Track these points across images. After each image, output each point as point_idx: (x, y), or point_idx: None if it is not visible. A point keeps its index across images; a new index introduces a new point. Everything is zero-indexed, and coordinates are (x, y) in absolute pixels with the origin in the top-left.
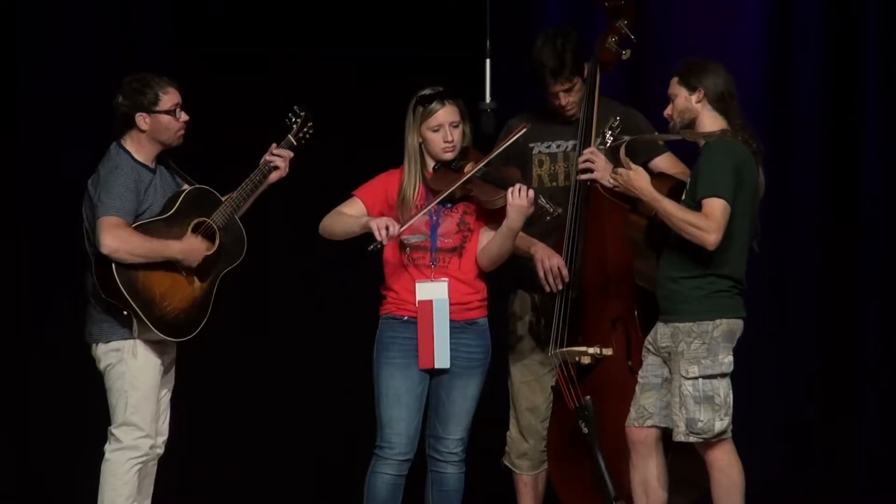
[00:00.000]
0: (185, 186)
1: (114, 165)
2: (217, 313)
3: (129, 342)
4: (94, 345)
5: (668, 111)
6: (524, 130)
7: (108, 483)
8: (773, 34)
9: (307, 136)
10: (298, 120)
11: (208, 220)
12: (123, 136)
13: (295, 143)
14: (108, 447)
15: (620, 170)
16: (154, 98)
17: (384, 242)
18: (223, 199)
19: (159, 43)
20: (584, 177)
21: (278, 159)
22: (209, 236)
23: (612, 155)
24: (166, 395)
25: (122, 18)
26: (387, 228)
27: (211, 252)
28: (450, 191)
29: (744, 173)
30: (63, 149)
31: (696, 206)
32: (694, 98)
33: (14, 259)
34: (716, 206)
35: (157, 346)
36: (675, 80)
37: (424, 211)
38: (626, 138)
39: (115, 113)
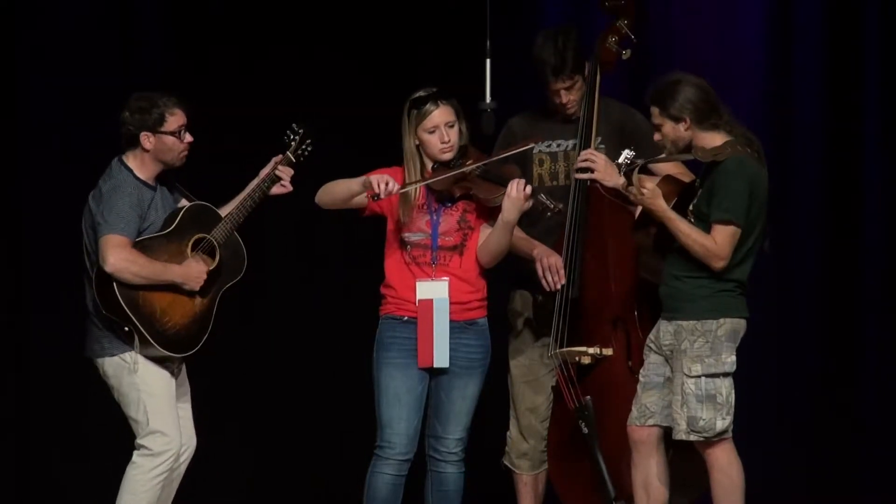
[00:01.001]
0: (185, 202)
1: (116, 183)
2: (217, 320)
3: (134, 353)
4: (98, 360)
5: (657, 137)
6: (530, 146)
7: (128, 487)
8: (773, 34)
9: (306, 152)
10: (297, 137)
11: (208, 237)
12: (126, 152)
13: (294, 160)
14: (135, 453)
15: (638, 194)
16: (160, 118)
17: (381, 196)
18: (223, 215)
19: (159, 43)
20: (583, 176)
21: (285, 176)
22: (209, 252)
23: (627, 176)
24: (186, 405)
25: (122, 19)
26: (387, 184)
27: (211, 268)
28: (448, 175)
29: (756, 188)
30: (62, 148)
31: (706, 225)
32: (681, 127)
33: (14, 260)
34: (727, 234)
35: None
36: (655, 110)
37: (424, 182)
38: (640, 161)
39: (119, 129)
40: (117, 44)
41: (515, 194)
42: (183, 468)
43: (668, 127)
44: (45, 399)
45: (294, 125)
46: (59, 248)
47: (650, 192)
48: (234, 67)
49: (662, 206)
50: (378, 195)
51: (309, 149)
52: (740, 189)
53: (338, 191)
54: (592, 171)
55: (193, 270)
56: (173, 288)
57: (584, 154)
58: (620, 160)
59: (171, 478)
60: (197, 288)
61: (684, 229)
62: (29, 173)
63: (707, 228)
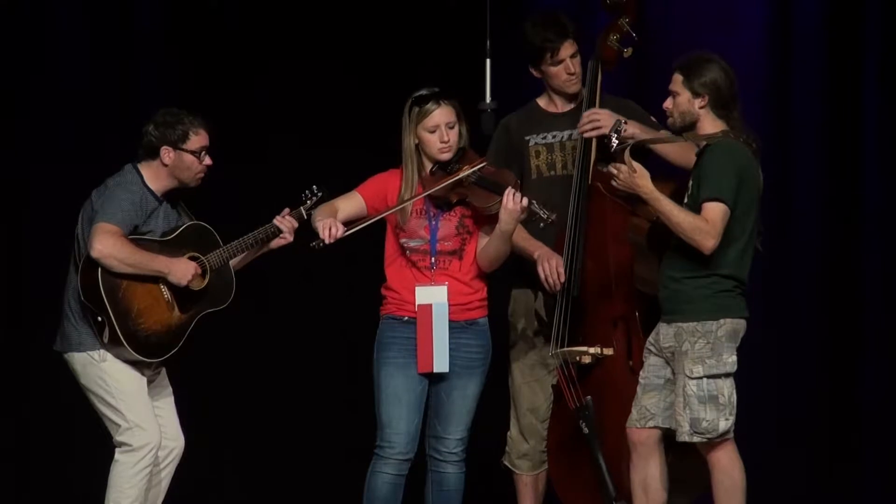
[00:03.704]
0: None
1: (123, 181)
2: (216, 312)
3: (100, 351)
4: (66, 355)
5: (668, 104)
6: (480, 166)
7: (114, 485)
8: (773, 37)
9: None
10: (315, 198)
11: (202, 258)
12: (142, 161)
13: (305, 217)
14: (116, 450)
15: (623, 167)
16: (183, 135)
17: (326, 242)
18: (222, 244)
19: (159, 45)
20: (591, 133)
21: (287, 227)
22: (201, 273)
23: (618, 158)
24: (170, 406)
25: (123, 19)
26: (330, 228)
27: (199, 288)
28: (437, 188)
29: (746, 175)
30: (62, 150)
31: (697, 208)
32: (697, 103)
33: (14, 260)
34: (716, 211)
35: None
36: (679, 77)
37: (400, 206)
38: (631, 142)
39: (141, 139)
40: (117, 45)
41: (512, 206)
42: (172, 468)
43: (685, 98)
44: (45, 394)
45: (314, 187)
46: (59, 244)
47: (638, 173)
48: (234, 68)
49: (649, 187)
50: (323, 242)
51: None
52: (729, 169)
53: (313, 220)
54: (599, 128)
55: (181, 265)
56: (156, 293)
57: (588, 114)
58: (611, 130)
59: (156, 474)
60: (183, 283)
61: (672, 210)
62: (28, 176)
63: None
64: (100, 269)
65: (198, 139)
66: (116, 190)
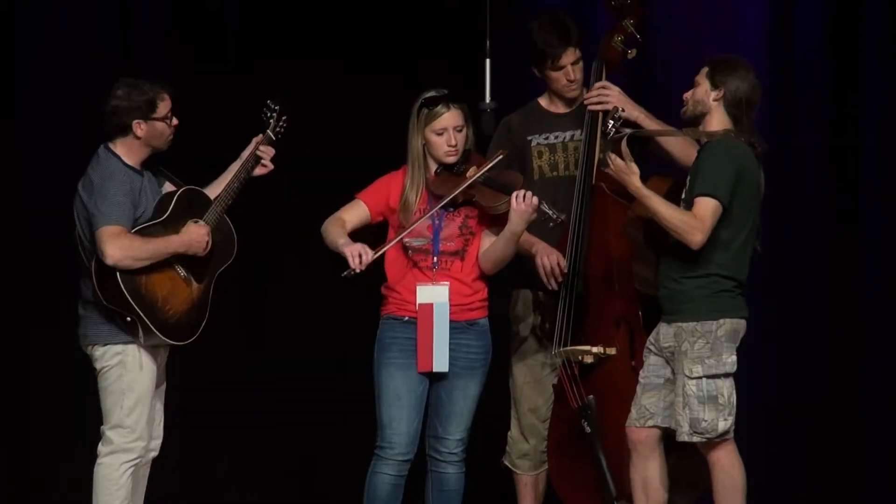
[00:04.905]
0: (172, 188)
1: (107, 172)
2: (216, 313)
3: (131, 347)
4: (89, 347)
5: (687, 94)
6: (501, 157)
7: (102, 487)
8: (773, 37)
9: (283, 128)
10: (274, 114)
11: (201, 221)
12: (114, 139)
13: (273, 139)
14: (101, 449)
15: (618, 160)
16: (151, 105)
17: (356, 271)
18: (212, 198)
19: (158, 45)
20: (595, 107)
21: (266, 156)
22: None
23: (614, 147)
24: (160, 400)
25: (123, 21)
26: (360, 256)
27: (206, 251)
28: (451, 196)
29: (744, 174)
30: (61, 150)
31: (692, 203)
32: (713, 94)
33: (14, 262)
34: (707, 207)
35: (153, 351)
36: (705, 69)
37: (424, 217)
38: (628, 131)
39: (107, 117)
40: (118, 46)
41: (523, 207)
42: (150, 460)
43: (703, 88)
44: (44, 397)
45: (269, 102)
46: (59, 252)
47: (631, 168)
48: (234, 68)
49: (637, 184)
50: (354, 271)
51: (285, 125)
52: (725, 167)
53: (327, 240)
54: (605, 104)
55: (194, 235)
56: (172, 275)
57: (599, 85)
58: (609, 117)
59: (140, 473)
60: (203, 251)
61: (659, 206)
62: (29, 179)
63: None
64: (118, 274)
65: (164, 105)
66: (104, 185)
